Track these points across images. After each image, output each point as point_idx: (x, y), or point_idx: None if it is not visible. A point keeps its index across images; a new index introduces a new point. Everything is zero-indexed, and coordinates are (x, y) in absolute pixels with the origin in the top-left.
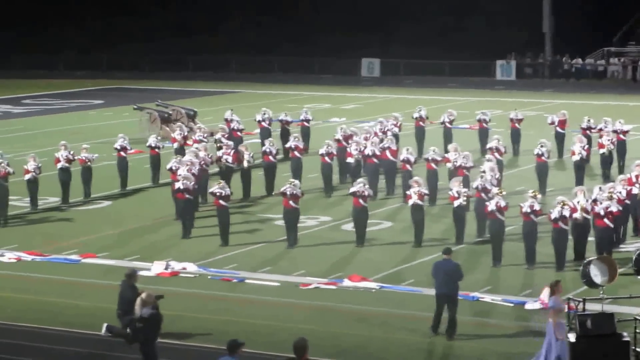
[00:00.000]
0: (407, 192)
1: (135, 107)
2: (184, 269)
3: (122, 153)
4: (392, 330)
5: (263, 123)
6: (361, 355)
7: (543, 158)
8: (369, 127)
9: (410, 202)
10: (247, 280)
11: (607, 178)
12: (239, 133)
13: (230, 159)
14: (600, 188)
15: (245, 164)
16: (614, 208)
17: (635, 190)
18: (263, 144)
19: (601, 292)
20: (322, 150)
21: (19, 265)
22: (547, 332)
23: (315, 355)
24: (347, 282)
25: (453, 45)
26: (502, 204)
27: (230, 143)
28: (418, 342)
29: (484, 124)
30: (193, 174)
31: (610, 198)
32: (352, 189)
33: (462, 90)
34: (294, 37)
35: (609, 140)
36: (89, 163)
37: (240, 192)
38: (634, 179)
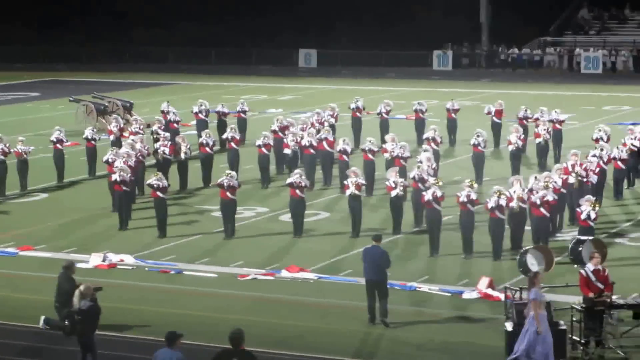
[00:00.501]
0: (345, 183)
1: (71, 99)
2: (122, 260)
3: (59, 145)
4: (330, 320)
5: (200, 115)
6: (299, 346)
7: (479, 148)
8: (305, 118)
9: (348, 192)
10: (185, 272)
11: (543, 167)
12: (175, 125)
13: (167, 151)
14: (536, 177)
15: (182, 156)
16: (550, 197)
17: (571, 180)
18: (200, 136)
19: None
20: (259, 142)
21: None
22: (528, 324)
23: (254, 346)
24: (285, 273)
25: (390, 36)
26: (439, 193)
27: (167, 135)
28: (356, 332)
29: (421, 114)
30: (130, 166)
31: (547, 187)
32: (289, 180)
33: (399, 80)
34: (231, 28)
35: (545, 129)
36: (25, 155)
37: (177, 184)
38: (570, 168)
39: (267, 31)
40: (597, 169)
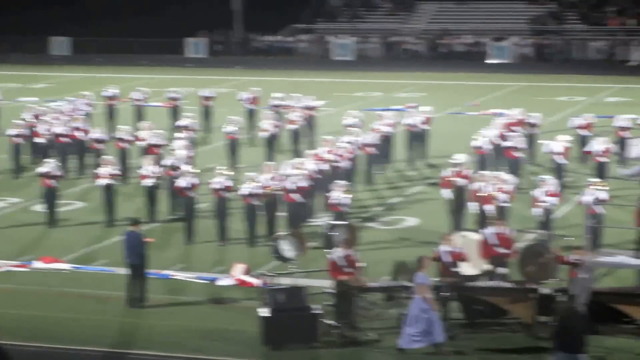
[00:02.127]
0: (98, 172)
1: None
2: None
3: None
4: (86, 310)
5: None
6: (54, 338)
7: (234, 135)
8: (57, 107)
9: (101, 181)
10: None
11: (297, 153)
12: None
13: None
14: (290, 164)
15: None
16: (304, 183)
17: (324, 166)
18: None
19: (292, 267)
20: (11, 131)
21: None
22: (415, 307)
23: (7, 339)
24: (38, 264)
25: (143, 23)
26: (194, 181)
27: None
28: (112, 322)
29: (176, 102)
30: None
31: (300, 173)
32: (41, 169)
33: (153, 68)
34: None
35: (298, 116)
36: None
37: None
38: (324, 155)
39: (17, 19)
40: (349, 155)
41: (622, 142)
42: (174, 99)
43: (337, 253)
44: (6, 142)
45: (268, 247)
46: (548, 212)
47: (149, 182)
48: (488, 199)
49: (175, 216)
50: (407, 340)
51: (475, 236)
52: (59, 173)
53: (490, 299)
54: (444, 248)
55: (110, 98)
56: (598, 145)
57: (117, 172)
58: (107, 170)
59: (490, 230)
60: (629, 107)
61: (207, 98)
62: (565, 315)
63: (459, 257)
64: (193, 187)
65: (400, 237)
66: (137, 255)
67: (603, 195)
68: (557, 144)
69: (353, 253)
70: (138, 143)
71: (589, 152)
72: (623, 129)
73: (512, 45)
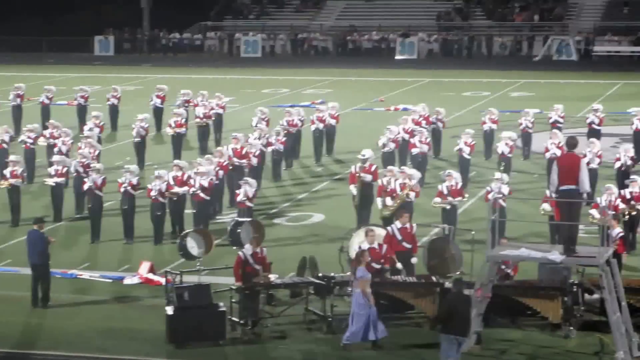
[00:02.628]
0: (4, 172)
1: None
2: None
3: None
4: None
5: None
6: None
7: (141, 134)
8: None
9: (6, 183)
10: None
11: (204, 150)
12: None
13: None
14: (197, 161)
15: None
16: (211, 181)
17: (231, 163)
18: None
19: (198, 264)
20: None
21: None
22: (356, 303)
23: None
24: None
25: (52, 22)
26: (100, 179)
27: None
28: (16, 323)
29: (82, 101)
30: None
31: (207, 171)
32: None
33: (60, 66)
34: None
35: (206, 113)
36: None
37: None
38: (230, 152)
39: None
40: (257, 151)
41: (526, 137)
42: (81, 97)
43: (247, 250)
44: None
45: (174, 244)
46: (452, 206)
47: (54, 181)
48: (390, 193)
49: (81, 215)
50: (348, 336)
51: (381, 231)
52: None
53: (395, 293)
54: (365, 245)
55: (17, 97)
56: (502, 139)
57: (22, 171)
58: (12, 170)
59: (395, 226)
60: (533, 101)
61: (114, 96)
62: (452, 300)
63: (378, 255)
64: (99, 185)
65: (306, 233)
66: (39, 254)
67: (506, 189)
68: (464, 140)
69: (260, 249)
70: (42, 142)
71: (493, 147)
72: (527, 124)
73: (419, 41)
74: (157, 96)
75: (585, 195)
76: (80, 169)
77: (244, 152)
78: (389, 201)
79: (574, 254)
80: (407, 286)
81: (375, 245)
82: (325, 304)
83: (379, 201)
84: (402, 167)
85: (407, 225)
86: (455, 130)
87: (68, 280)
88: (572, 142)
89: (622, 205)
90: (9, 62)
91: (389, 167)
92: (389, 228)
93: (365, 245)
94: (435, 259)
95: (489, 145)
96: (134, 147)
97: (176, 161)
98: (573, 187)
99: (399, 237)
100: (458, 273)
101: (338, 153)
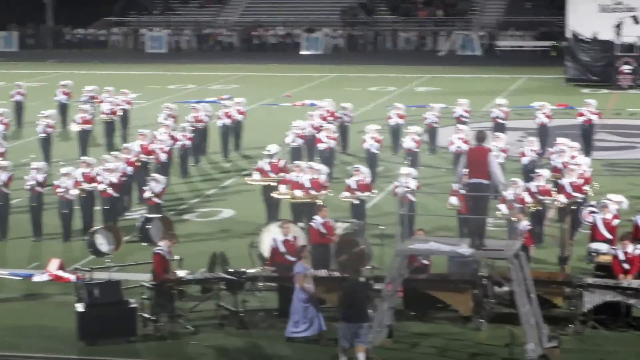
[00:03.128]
0: None
1: None
2: None
3: None
4: None
5: None
6: None
7: (48, 130)
8: None
9: None
10: None
11: (111, 147)
12: None
13: None
14: (104, 157)
15: None
16: (119, 177)
17: (139, 159)
18: None
19: (108, 261)
20: None
21: None
22: (296, 298)
23: None
24: None
25: None
26: (6, 176)
27: None
28: None
29: None
30: None
31: (115, 167)
32: None
33: None
34: None
35: (112, 109)
36: None
37: None
38: (138, 148)
39: None
40: (164, 147)
41: (432, 131)
42: None
43: (162, 248)
44: None
45: (83, 241)
46: (361, 201)
47: None
48: (299, 187)
49: None
50: (290, 330)
51: (296, 227)
52: None
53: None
54: (279, 237)
55: None
56: (409, 134)
57: None
58: None
59: (318, 220)
60: (439, 96)
61: (19, 92)
62: (350, 289)
63: (292, 248)
64: (6, 182)
65: (216, 229)
66: None
67: (414, 183)
68: (370, 135)
69: (292, 238)
70: None
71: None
72: (433, 119)
73: (324, 36)
74: (63, 92)
75: (501, 187)
76: None
77: (151, 148)
78: (298, 193)
79: (483, 247)
80: (317, 281)
81: (290, 237)
82: (236, 299)
83: (281, 187)
84: (310, 163)
85: (328, 218)
86: (362, 125)
87: None
88: (480, 136)
89: (528, 199)
90: None
91: (296, 162)
92: (312, 223)
93: (280, 238)
94: (345, 254)
95: (396, 140)
96: (39, 144)
97: (84, 158)
98: (482, 180)
99: (323, 230)
100: (368, 267)
101: (246, 148)
